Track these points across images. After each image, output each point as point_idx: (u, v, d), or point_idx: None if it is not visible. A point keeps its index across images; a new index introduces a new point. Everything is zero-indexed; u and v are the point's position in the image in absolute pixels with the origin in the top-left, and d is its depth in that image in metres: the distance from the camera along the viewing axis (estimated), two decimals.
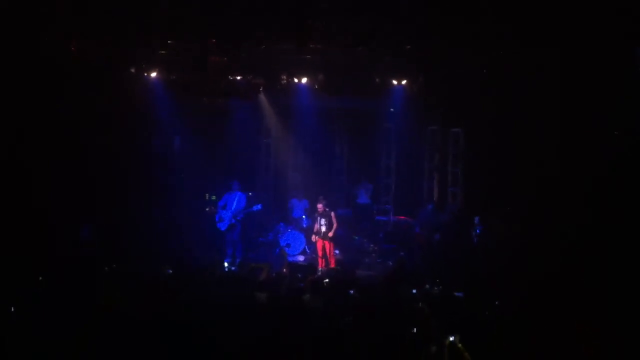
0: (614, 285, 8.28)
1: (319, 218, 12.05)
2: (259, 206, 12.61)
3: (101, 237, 11.29)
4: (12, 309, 5.87)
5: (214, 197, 13.62)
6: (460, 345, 4.93)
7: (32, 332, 5.50)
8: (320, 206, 12.07)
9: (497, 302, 7.26)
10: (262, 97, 14.14)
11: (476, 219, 11.90)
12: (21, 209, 10.25)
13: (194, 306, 6.51)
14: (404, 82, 12.26)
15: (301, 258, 13.12)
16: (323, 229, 11.95)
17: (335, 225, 11.99)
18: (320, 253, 12.05)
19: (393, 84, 12.34)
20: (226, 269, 11.04)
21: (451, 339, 5.00)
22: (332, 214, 12.10)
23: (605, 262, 9.14)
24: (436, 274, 10.21)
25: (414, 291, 8.22)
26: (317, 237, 12.09)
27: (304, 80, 12.37)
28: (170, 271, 8.42)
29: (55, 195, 10.88)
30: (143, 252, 10.37)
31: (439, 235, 12.34)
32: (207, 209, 13.24)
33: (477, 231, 11.79)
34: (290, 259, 12.64)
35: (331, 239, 12.03)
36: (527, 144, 11.52)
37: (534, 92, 10.65)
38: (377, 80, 12.30)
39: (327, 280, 8.76)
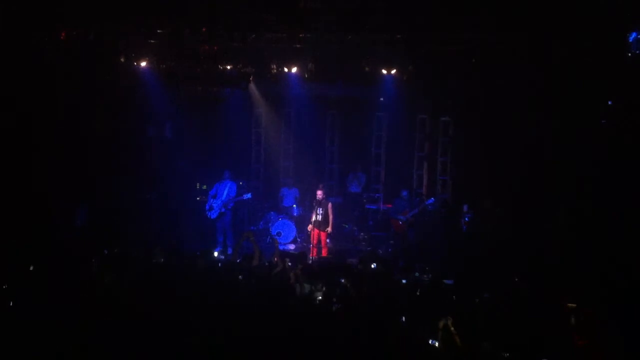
0: (604, 270, 8.39)
1: (316, 207, 11.96)
2: (249, 195, 12.69)
3: (95, 222, 11.34)
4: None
5: (204, 187, 13.67)
6: (452, 328, 5.01)
7: (27, 319, 5.52)
8: (319, 193, 12.03)
9: (485, 295, 7.31)
10: (253, 87, 14.11)
11: (465, 207, 12.00)
12: (17, 195, 10.29)
13: (185, 294, 6.54)
14: (393, 71, 12.27)
15: (292, 247, 13.18)
16: (319, 218, 11.86)
17: (331, 218, 11.97)
18: (314, 242, 12.00)
19: (383, 73, 12.34)
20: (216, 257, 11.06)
21: (444, 321, 5.09)
22: (330, 205, 12.05)
23: (595, 247, 9.25)
24: (414, 261, 10.31)
25: (404, 281, 8.31)
26: (312, 226, 11.97)
27: (294, 69, 12.35)
28: (162, 260, 8.45)
29: (50, 182, 10.92)
30: (135, 239, 10.41)
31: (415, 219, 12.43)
32: (197, 198, 13.31)
33: (466, 219, 11.90)
34: (281, 247, 12.67)
35: (327, 231, 11.97)
36: (516, 132, 11.61)
37: (523, 80, 10.71)
38: (367, 69, 12.28)
39: (318, 268, 8.80)
